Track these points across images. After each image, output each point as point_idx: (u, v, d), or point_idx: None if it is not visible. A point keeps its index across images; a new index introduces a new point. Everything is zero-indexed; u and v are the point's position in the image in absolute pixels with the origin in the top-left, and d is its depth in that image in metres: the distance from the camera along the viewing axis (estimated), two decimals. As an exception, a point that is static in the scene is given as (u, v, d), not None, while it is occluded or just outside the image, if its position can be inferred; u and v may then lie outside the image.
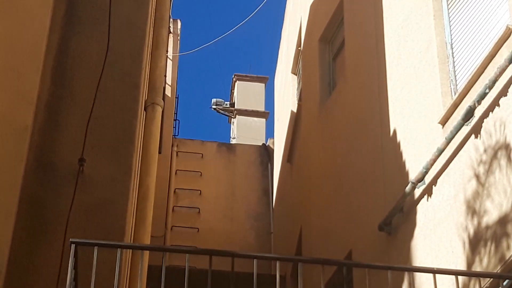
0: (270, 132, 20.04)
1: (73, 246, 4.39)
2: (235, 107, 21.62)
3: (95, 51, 6.70)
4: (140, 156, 7.41)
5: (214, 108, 22.46)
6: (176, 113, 18.12)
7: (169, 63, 17.54)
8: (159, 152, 15.75)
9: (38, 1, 6.56)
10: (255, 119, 21.30)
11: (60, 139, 6.33)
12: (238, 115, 21.40)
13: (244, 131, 20.82)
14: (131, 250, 6.33)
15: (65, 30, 6.76)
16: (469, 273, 5.88)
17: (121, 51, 6.76)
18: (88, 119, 6.35)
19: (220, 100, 22.38)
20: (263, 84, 21.81)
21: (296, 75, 15.11)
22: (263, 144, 19.11)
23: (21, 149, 5.97)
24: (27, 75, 6.24)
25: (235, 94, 21.93)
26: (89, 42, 6.75)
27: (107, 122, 6.48)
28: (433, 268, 4.67)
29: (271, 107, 20.26)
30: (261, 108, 21.50)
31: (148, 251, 7.21)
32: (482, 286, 6.30)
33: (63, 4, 6.84)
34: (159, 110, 7.74)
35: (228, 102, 22.33)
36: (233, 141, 20.64)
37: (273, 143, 18.37)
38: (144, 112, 7.63)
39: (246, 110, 21.34)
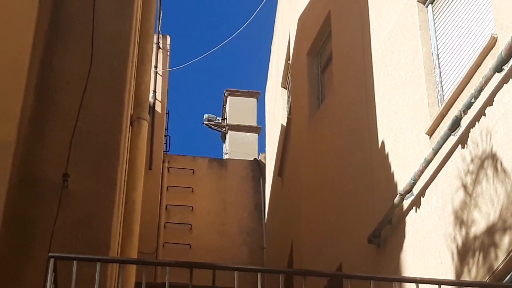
0: (262, 147, 20.01)
1: (52, 260, 4.35)
2: (227, 122, 21.56)
3: (79, 65, 6.67)
4: (126, 171, 7.37)
5: (206, 124, 22.36)
6: (167, 129, 18.06)
7: (159, 79, 17.51)
8: (150, 168, 15.82)
9: (21, 15, 6.54)
10: (248, 134, 21.23)
11: (44, 154, 6.29)
12: (230, 130, 21.33)
13: (236, 147, 20.74)
14: (118, 266, 6.27)
15: (49, 45, 6.73)
16: (452, 282, 5.84)
17: (105, 65, 6.74)
18: (72, 134, 6.31)
19: (212, 115, 22.30)
20: (255, 99, 21.75)
21: (286, 89, 15.10)
22: (255, 159, 19.06)
23: (4, 165, 5.94)
24: (10, 90, 6.21)
25: (227, 109, 21.88)
26: (73, 56, 6.72)
27: (91, 137, 6.45)
28: (416, 277, 4.63)
29: (263, 122, 20.24)
30: (253, 123, 21.43)
31: (135, 267, 7.17)
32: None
33: (46, 19, 6.81)
34: (145, 124, 7.70)
35: (220, 118, 22.26)
36: (225, 157, 20.57)
37: (264, 158, 18.33)
38: (130, 127, 7.59)
39: (238, 126, 21.26)
